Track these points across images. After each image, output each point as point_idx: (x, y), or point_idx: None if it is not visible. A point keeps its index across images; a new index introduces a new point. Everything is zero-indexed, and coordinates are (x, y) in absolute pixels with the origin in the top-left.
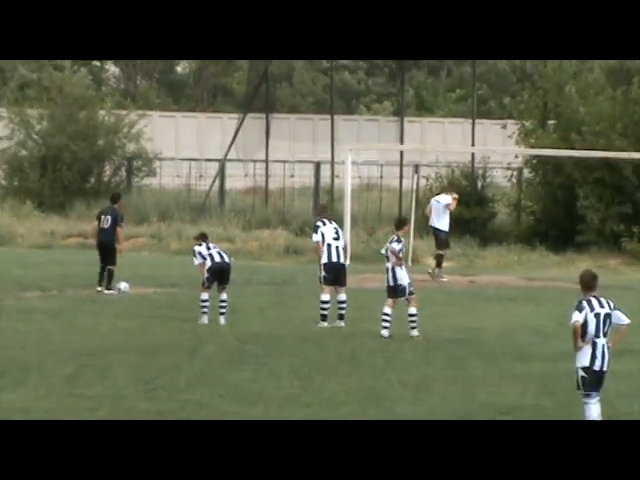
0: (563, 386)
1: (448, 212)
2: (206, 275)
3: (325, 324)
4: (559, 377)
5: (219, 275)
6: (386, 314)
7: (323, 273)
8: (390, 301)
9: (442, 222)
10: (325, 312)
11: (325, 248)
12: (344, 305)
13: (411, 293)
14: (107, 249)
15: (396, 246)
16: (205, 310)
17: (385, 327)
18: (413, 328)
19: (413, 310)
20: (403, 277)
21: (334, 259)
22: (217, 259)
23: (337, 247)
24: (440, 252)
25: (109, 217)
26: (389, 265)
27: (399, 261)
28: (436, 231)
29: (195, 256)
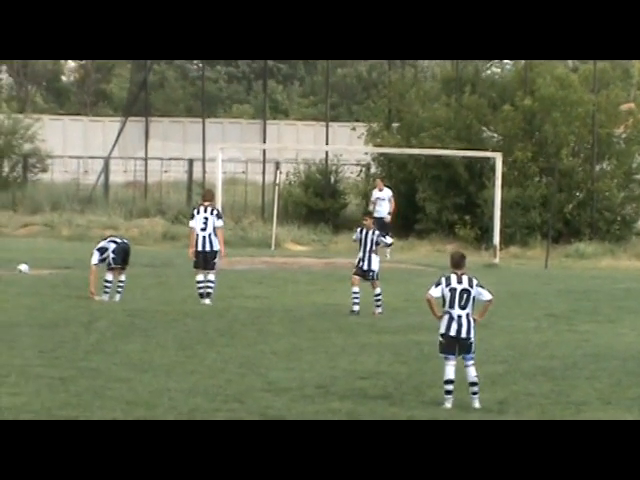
0: (413, 354)
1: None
2: (112, 256)
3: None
4: (409, 346)
5: (123, 255)
6: (355, 292)
7: (194, 258)
8: (357, 279)
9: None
10: (201, 290)
11: (195, 237)
12: (212, 284)
13: (377, 277)
14: None
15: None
16: (107, 290)
17: (355, 303)
18: (378, 306)
19: (378, 290)
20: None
21: (199, 247)
22: (119, 240)
23: (204, 237)
24: None
25: None
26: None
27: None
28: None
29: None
